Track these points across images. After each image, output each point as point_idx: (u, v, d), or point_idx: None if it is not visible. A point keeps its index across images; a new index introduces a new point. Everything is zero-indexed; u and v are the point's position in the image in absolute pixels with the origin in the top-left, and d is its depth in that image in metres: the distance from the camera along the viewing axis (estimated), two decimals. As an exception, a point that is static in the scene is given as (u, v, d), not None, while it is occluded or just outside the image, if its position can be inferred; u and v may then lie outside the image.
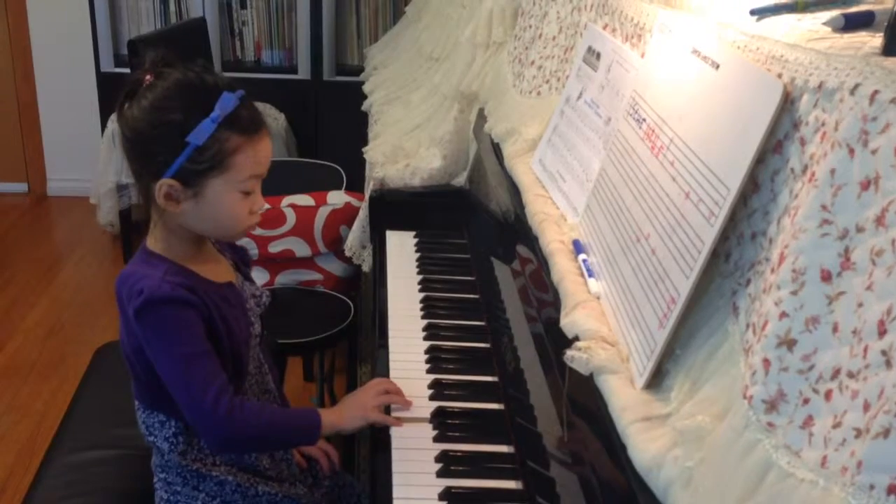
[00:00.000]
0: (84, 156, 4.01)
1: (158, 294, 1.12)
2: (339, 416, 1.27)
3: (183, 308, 1.14)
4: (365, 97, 3.01)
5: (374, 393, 1.30)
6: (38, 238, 3.87)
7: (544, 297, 1.21)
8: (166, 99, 1.13)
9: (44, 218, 4.12)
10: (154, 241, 1.21)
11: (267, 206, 2.38)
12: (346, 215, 2.41)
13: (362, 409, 1.27)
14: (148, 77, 1.16)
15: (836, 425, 0.61)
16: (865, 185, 0.64)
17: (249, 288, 1.31)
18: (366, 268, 2.18)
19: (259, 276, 2.38)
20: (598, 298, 1.08)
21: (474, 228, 1.92)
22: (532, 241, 1.32)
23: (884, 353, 0.58)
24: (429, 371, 1.41)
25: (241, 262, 1.34)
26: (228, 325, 1.20)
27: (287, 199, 2.43)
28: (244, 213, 1.19)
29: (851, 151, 0.66)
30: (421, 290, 1.69)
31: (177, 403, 1.18)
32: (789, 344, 0.67)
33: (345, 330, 2.16)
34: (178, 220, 1.18)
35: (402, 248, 1.90)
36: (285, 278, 2.44)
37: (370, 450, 1.29)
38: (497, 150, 1.75)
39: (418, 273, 1.77)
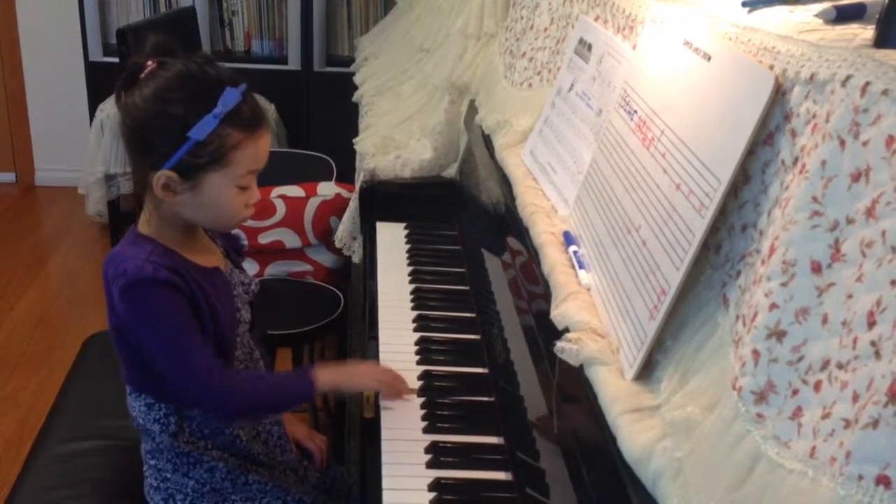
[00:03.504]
0: (72, 146, 3.98)
1: (140, 275, 1.13)
2: (339, 375, 1.28)
3: (165, 289, 1.14)
4: (355, 88, 3.00)
5: (379, 374, 1.31)
6: (26, 228, 3.84)
7: (535, 289, 1.21)
8: (169, 91, 1.13)
9: (32, 208, 4.09)
10: (145, 225, 1.22)
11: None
12: (336, 207, 2.40)
13: (362, 378, 1.29)
14: (149, 63, 1.15)
15: (826, 416, 0.61)
16: (856, 177, 0.64)
17: (238, 276, 1.31)
18: (356, 259, 2.18)
19: (249, 267, 2.37)
20: (589, 290, 1.08)
21: (465, 220, 1.92)
22: (523, 232, 1.32)
23: (873, 344, 0.58)
24: (419, 362, 1.41)
25: (234, 250, 1.35)
26: (213, 308, 1.20)
27: (277, 190, 2.42)
28: (240, 206, 1.20)
29: (842, 143, 0.66)
30: (411, 282, 1.69)
31: (167, 381, 1.18)
32: (779, 335, 0.67)
33: (335, 321, 2.16)
34: (174, 210, 1.19)
35: (392, 239, 1.90)
36: (275, 269, 2.43)
37: (360, 441, 1.29)
38: (488, 141, 1.74)
39: (408, 264, 1.77)
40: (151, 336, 1.16)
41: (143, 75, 1.15)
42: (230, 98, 1.13)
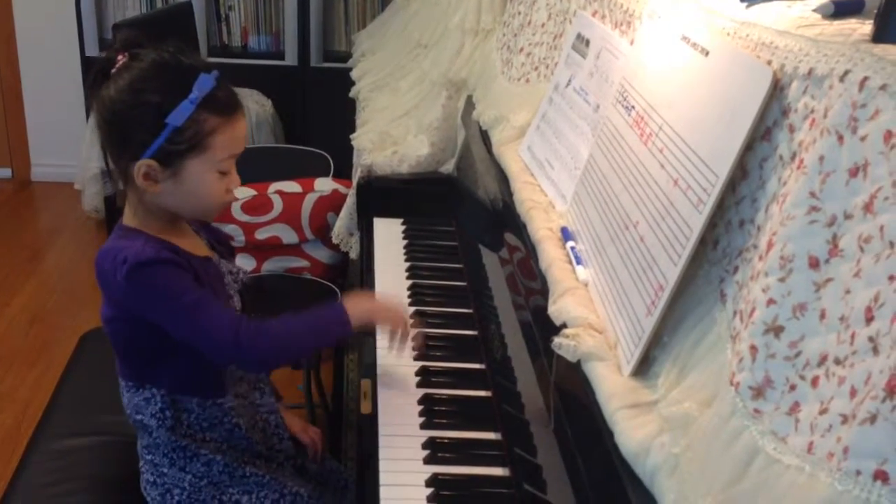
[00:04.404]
0: (68, 141, 3.97)
1: (143, 257, 1.13)
2: (369, 312, 1.27)
3: (170, 266, 1.15)
4: (353, 83, 3.00)
5: (395, 313, 1.31)
6: (22, 224, 3.83)
7: (532, 285, 1.21)
8: (144, 80, 1.14)
9: (28, 204, 4.08)
10: (131, 218, 1.23)
11: (253, 192, 2.39)
12: (333, 202, 2.40)
13: (386, 316, 1.29)
14: (120, 57, 1.16)
15: (823, 412, 0.61)
16: (854, 172, 0.64)
17: (226, 265, 1.32)
18: (353, 255, 2.18)
19: (245, 262, 2.37)
20: (586, 286, 1.08)
21: (462, 216, 1.91)
22: (520, 228, 1.32)
23: (871, 339, 0.58)
24: (416, 358, 1.41)
25: (217, 241, 1.35)
26: (215, 292, 1.21)
27: (274, 186, 2.42)
28: (221, 191, 1.20)
29: (840, 138, 0.66)
30: (408, 278, 1.69)
31: (199, 349, 1.17)
32: (776, 331, 0.67)
33: (332, 317, 2.15)
34: (157, 200, 1.19)
35: (389, 235, 1.90)
36: (272, 265, 2.43)
37: (357, 436, 1.29)
38: (485, 137, 1.74)
39: (406, 260, 1.77)
40: (169, 311, 1.15)
41: (114, 69, 1.16)
42: (205, 83, 1.14)
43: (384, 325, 1.31)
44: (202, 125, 1.14)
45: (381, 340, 1.46)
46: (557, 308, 1.04)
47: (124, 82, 1.14)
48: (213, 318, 1.15)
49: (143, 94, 1.13)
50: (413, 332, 1.33)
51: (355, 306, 1.23)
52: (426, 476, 1.14)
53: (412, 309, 1.56)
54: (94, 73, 1.17)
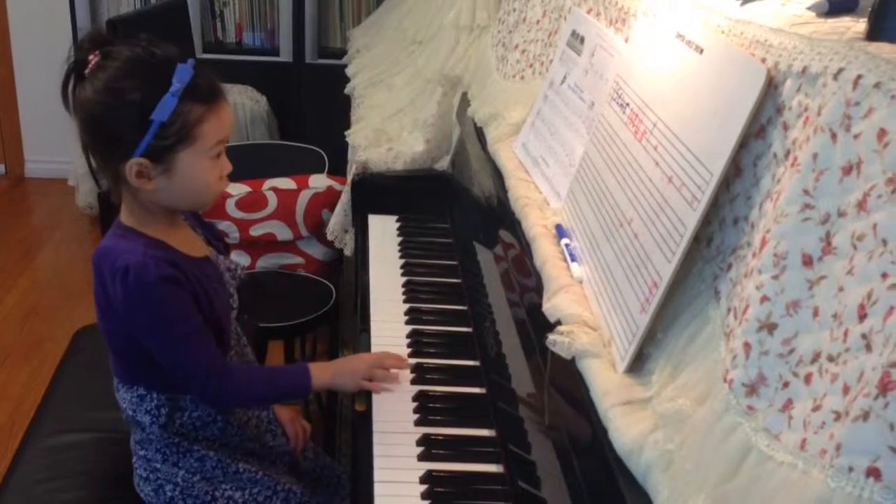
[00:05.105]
0: (62, 137, 3.94)
1: (146, 275, 1.13)
2: (330, 378, 1.31)
3: (171, 286, 1.15)
4: (347, 80, 2.99)
5: (368, 365, 1.33)
6: (16, 220, 3.82)
7: (526, 282, 1.21)
8: (121, 79, 1.12)
9: (21, 200, 4.06)
10: (129, 217, 1.21)
11: (247, 189, 2.38)
12: (328, 199, 2.39)
13: (353, 377, 1.31)
14: (92, 57, 1.14)
15: (816, 408, 0.61)
16: (847, 170, 0.64)
17: (224, 262, 1.31)
18: (348, 252, 2.18)
19: (240, 259, 2.37)
20: (581, 283, 1.08)
21: (457, 213, 1.91)
22: (515, 225, 1.32)
23: (864, 336, 0.58)
24: (411, 355, 1.41)
25: (213, 237, 1.34)
26: (210, 298, 1.20)
27: (269, 183, 2.41)
28: (215, 178, 1.20)
29: (834, 136, 0.66)
30: (403, 275, 1.69)
31: (171, 375, 1.20)
32: (770, 328, 0.67)
33: (326, 314, 2.16)
34: (152, 197, 1.18)
35: (384, 232, 1.89)
36: (267, 262, 2.42)
37: (352, 433, 1.30)
38: (480, 134, 1.74)
39: (400, 257, 1.77)
40: (158, 335, 1.17)
41: (88, 70, 1.14)
42: (184, 74, 1.12)
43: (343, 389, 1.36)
44: (188, 116, 1.13)
45: (376, 338, 1.47)
46: (552, 305, 1.04)
47: (101, 83, 1.12)
48: (196, 353, 1.18)
49: (123, 94, 1.12)
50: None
51: (318, 378, 1.29)
52: (420, 473, 1.14)
53: (406, 306, 1.56)
54: (67, 74, 1.16)
